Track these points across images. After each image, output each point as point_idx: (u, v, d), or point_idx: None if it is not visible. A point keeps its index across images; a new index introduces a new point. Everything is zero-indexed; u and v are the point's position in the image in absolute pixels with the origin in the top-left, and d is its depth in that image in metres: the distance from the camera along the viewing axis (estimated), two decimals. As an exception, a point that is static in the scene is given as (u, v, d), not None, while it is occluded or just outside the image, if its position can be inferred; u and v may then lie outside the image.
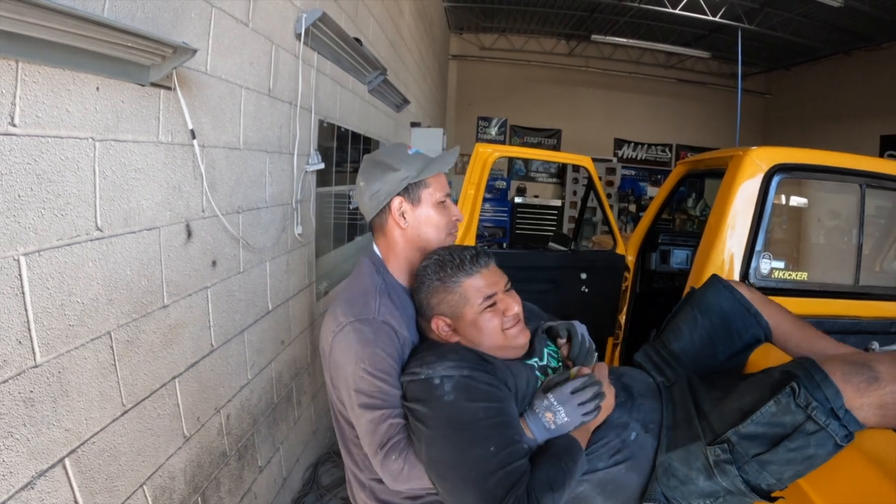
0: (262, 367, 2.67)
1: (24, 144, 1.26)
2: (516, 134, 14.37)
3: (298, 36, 2.86)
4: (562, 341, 1.68)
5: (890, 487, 1.21)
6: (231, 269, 2.31)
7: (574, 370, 1.52)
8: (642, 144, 14.52)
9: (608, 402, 1.49)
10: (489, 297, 1.48)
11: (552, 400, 1.41)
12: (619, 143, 14.53)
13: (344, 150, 4.05)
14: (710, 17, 9.89)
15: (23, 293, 1.27)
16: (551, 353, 1.66)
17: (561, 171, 13.90)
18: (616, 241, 3.95)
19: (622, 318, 3.94)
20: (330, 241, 3.90)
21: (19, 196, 1.25)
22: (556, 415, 1.39)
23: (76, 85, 1.40)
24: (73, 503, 1.42)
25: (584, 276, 3.72)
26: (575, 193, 12.98)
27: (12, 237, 1.23)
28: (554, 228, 11.56)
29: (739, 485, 1.36)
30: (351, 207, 4.38)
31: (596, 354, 1.67)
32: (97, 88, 1.48)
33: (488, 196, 11.36)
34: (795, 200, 3.19)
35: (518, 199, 12.85)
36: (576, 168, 12.90)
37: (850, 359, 1.38)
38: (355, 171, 4.26)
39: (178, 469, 1.94)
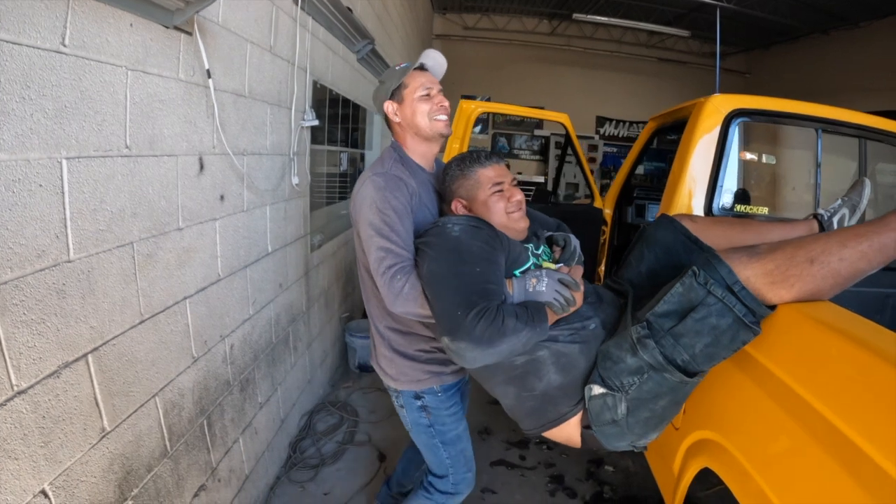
0: (262, 304, 2.83)
1: (72, 63, 1.43)
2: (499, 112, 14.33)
3: (296, 0, 3.02)
4: (557, 248, 1.99)
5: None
6: (237, 206, 2.47)
7: (564, 268, 1.82)
8: (624, 122, 14.61)
9: (578, 302, 1.72)
10: (498, 184, 1.86)
11: (542, 272, 1.70)
12: (601, 121, 14.62)
13: (335, 114, 4.20)
14: (690, -4, 10.04)
15: (63, 192, 1.42)
16: (545, 251, 1.96)
17: (544, 148, 14.04)
18: (593, 194, 4.12)
19: (601, 271, 4.12)
20: (323, 197, 4.06)
21: (65, 107, 1.41)
22: (538, 282, 1.67)
23: (114, 19, 1.57)
24: (93, 399, 1.56)
25: (564, 226, 3.86)
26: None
27: (58, 141, 1.39)
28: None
29: (658, 357, 1.59)
30: (340, 170, 4.55)
31: (581, 265, 1.96)
32: (131, 25, 1.65)
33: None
34: (758, 145, 3.39)
35: (502, 177, 13.00)
36: (558, 146, 13.06)
37: (742, 247, 1.63)
38: (345, 132, 4.46)
39: (187, 388, 2.09)
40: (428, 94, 1.97)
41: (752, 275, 1.51)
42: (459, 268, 1.62)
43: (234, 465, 2.50)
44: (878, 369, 1.18)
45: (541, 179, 12.77)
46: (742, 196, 3.25)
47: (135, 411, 1.75)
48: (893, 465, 1.04)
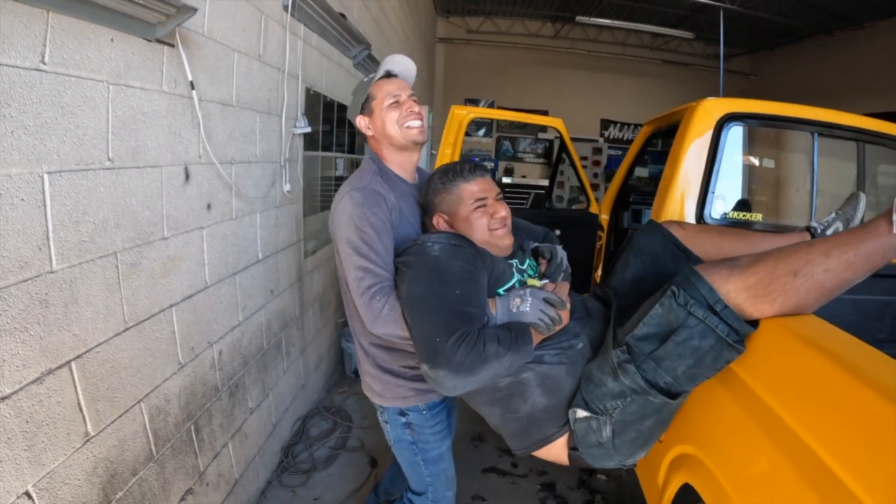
0: (252, 311, 2.86)
1: (52, 80, 1.47)
2: (503, 115, 14.33)
3: (286, 7, 3.04)
4: (543, 261, 1.96)
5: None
6: (224, 214, 2.49)
7: (549, 284, 1.77)
8: (628, 125, 14.52)
9: (564, 320, 1.68)
10: (480, 199, 1.79)
11: (526, 292, 1.66)
12: (605, 124, 14.56)
13: (331, 120, 4.23)
14: (693, -2, 9.99)
15: (45, 206, 1.46)
16: (531, 265, 1.92)
17: (548, 151, 14.00)
18: (589, 199, 4.11)
19: (597, 276, 4.11)
20: (317, 203, 4.08)
21: (46, 122, 1.45)
22: (522, 301, 1.63)
23: (95, 35, 1.61)
24: (77, 405, 1.58)
25: (558, 232, 3.86)
26: (562, 173, 13.04)
27: (39, 157, 1.43)
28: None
29: (640, 382, 1.52)
30: (336, 175, 4.58)
31: (568, 279, 1.91)
32: (111, 40, 1.68)
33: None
34: (753, 149, 3.37)
35: (506, 180, 13.04)
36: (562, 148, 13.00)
37: (723, 260, 1.54)
38: (341, 137, 4.49)
39: (174, 393, 2.12)
40: (396, 102, 1.92)
41: (733, 289, 1.44)
42: (439, 290, 1.57)
43: (222, 469, 2.52)
44: (857, 392, 1.14)
45: (545, 183, 12.73)
46: (735, 202, 3.26)
47: (119, 416, 1.78)
48: (868, 493, 1.00)
